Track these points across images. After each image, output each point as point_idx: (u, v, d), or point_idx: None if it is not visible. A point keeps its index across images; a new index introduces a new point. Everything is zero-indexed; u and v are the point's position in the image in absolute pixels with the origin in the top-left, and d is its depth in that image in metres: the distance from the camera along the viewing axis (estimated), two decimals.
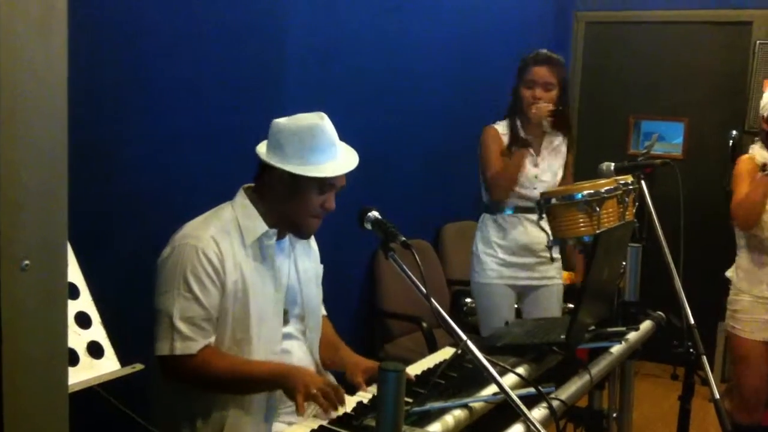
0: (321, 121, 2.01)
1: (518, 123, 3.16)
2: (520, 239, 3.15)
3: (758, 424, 3.35)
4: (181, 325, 1.92)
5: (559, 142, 3.24)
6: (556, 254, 3.24)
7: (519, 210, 3.16)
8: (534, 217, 3.11)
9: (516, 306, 3.30)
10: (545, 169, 3.18)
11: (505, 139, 3.15)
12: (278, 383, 1.94)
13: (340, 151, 2.07)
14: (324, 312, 2.35)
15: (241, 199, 2.09)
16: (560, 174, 3.23)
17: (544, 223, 3.03)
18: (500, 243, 3.17)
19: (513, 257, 3.16)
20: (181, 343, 1.92)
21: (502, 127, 3.19)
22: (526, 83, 3.11)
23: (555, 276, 3.26)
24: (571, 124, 3.27)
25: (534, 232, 3.14)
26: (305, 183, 2.00)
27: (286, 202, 2.04)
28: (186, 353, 1.92)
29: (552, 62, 3.13)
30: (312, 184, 2.01)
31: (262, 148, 2.07)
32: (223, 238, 2.00)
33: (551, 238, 2.61)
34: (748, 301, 3.26)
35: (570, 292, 3.64)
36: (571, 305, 3.81)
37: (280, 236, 2.11)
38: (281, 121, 2.03)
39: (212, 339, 1.97)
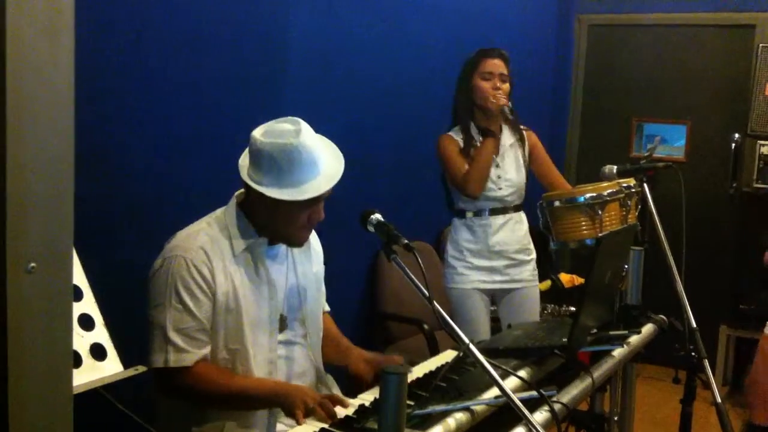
0: (297, 140, 1.91)
1: (471, 125, 3.14)
2: (489, 242, 3.12)
3: None
4: (175, 337, 1.91)
5: (513, 141, 3.20)
6: (527, 256, 3.19)
7: (488, 213, 3.13)
8: (503, 219, 3.12)
9: (494, 308, 3.28)
10: (507, 168, 3.15)
11: (461, 143, 3.13)
12: (276, 402, 1.92)
13: (323, 164, 1.98)
14: (327, 308, 2.35)
15: (233, 207, 2.06)
16: (524, 171, 3.18)
17: (516, 224, 3.05)
18: (469, 247, 3.14)
19: (483, 261, 3.13)
20: (175, 355, 1.91)
21: (455, 133, 3.17)
22: (483, 75, 3.08)
23: (529, 278, 3.20)
24: (519, 123, 3.23)
25: (504, 234, 3.12)
26: (287, 204, 1.94)
27: (272, 218, 2.01)
28: (180, 365, 1.91)
29: (504, 56, 3.12)
30: (294, 204, 1.95)
31: (244, 161, 2.01)
32: (213, 248, 1.98)
33: (553, 240, 2.61)
34: None
35: (571, 294, 3.64)
36: (549, 306, 3.80)
37: (273, 242, 2.09)
38: (258, 135, 1.94)
39: (207, 350, 1.96)
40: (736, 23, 4.97)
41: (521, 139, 3.21)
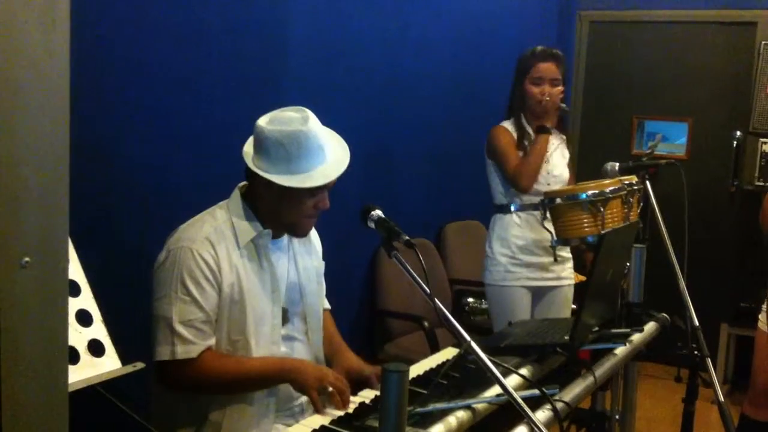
0: (305, 127, 1.93)
1: (523, 120, 3.14)
2: (536, 238, 3.10)
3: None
4: (181, 329, 1.90)
5: (560, 141, 3.23)
6: (567, 253, 3.21)
7: (534, 207, 3.10)
8: (549, 214, 3.10)
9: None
10: (555, 164, 3.16)
11: (515, 135, 3.14)
12: (286, 377, 1.93)
13: (329, 152, 1.99)
14: (327, 306, 2.34)
15: (236, 199, 2.06)
16: (567, 171, 3.21)
17: (547, 223, 3.03)
18: (518, 243, 3.11)
19: (530, 257, 3.11)
20: (182, 347, 1.90)
21: (509, 125, 3.17)
22: (533, 80, 3.09)
23: (568, 276, 3.21)
24: (569, 125, 3.27)
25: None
26: (294, 191, 1.95)
27: (277, 207, 2.01)
28: (187, 357, 1.90)
29: (557, 58, 3.11)
30: (302, 191, 1.96)
31: (249, 149, 2.01)
32: (218, 240, 1.97)
33: (555, 238, 2.60)
34: None
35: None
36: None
37: (277, 235, 2.09)
38: (264, 124, 1.95)
39: (212, 341, 1.95)
40: (738, 20, 4.96)
41: (567, 140, 3.26)
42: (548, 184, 3.10)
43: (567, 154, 3.25)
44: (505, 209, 3.17)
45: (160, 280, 1.96)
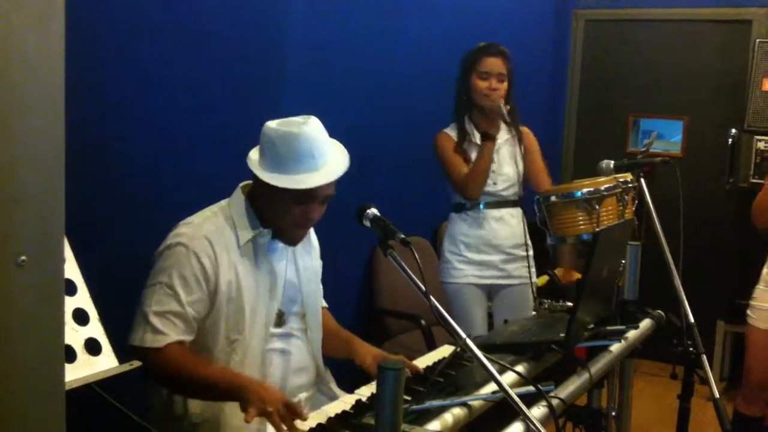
0: (299, 129, 1.93)
1: (466, 120, 3.14)
2: (484, 236, 3.12)
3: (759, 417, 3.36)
4: (154, 319, 1.91)
5: (509, 137, 3.20)
6: (521, 252, 3.17)
7: (484, 206, 3.13)
8: (499, 213, 3.11)
9: (488, 304, 3.26)
10: (502, 162, 3.15)
11: (455, 139, 3.14)
12: (235, 394, 1.84)
13: (325, 160, 1.98)
14: (324, 304, 2.34)
15: (237, 198, 2.07)
16: (520, 167, 3.16)
17: (513, 219, 3.04)
18: (466, 241, 3.14)
19: (478, 255, 3.13)
20: (151, 335, 1.91)
21: (450, 130, 3.17)
22: (480, 74, 3.08)
23: (520, 275, 3.18)
24: (518, 120, 3.22)
25: (499, 228, 3.12)
26: (281, 193, 1.95)
27: (269, 209, 2.02)
28: (153, 346, 1.90)
29: (504, 54, 3.11)
30: (287, 194, 1.95)
31: (254, 155, 2.03)
32: (217, 238, 1.98)
33: (550, 235, 2.60)
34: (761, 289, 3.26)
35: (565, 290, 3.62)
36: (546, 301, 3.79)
37: (276, 236, 2.09)
38: (270, 124, 1.98)
39: (183, 338, 1.94)
40: (733, 18, 4.96)
41: (517, 136, 3.20)
42: (494, 183, 3.11)
43: (518, 150, 3.18)
44: (457, 208, 3.19)
45: (154, 269, 1.98)
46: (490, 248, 3.12)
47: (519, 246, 3.15)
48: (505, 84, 3.09)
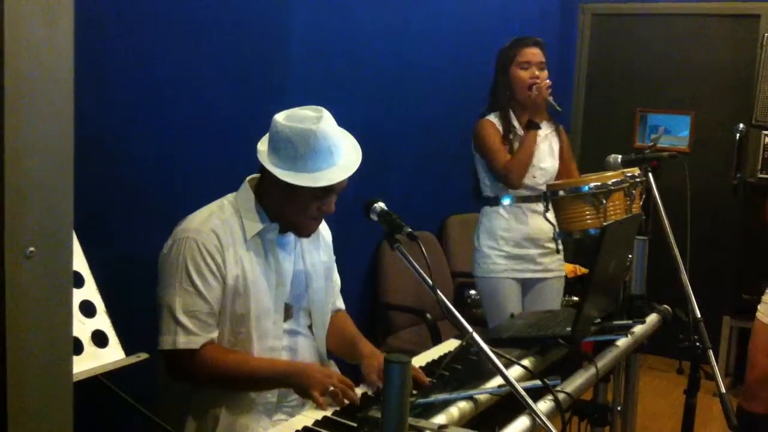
0: (316, 126, 1.91)
1: (511, 112, 3.13)
2: (523, 230, 3.12)
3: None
4: (185, 319, 1.90)
5: (550, 131, 3.21)
6: (561, 246, 3.20)
7: (520, 200, 3.13)
8: (537, 207, 3.10)
9: None
10: (542, 156, 3.15)
11: (501, 130, 3.13)
12: (288, 382, 1.92)
13: (341, 154, 1.98)
14: (342, 306, 2.33)
15: (245, 192, 2.06)
16: (558, 162, 3.19)
17: (550, 215, 3.02)
18: (504, 235, 3.13)
19: (517, 249, 3.13)
20: (184, 337, 1.90)
21: (494, 119, 3.16)
22: (521, 65, 3.08)
23: (558, 268, 3.22)
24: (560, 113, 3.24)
25: (537, 222, 3.11)
26: (300, 190, 1.94)
27: (283, 204, 2.01)
28: (189, 348, 1.91)
29: (541, 44, 3.12)
30: (306, 191, 1.95)
31: (262, 147, 2.01)
32: (224, 232, 1.98)
33: (557, 230, 2.60)
34: None
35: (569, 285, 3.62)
36: (574, 298, 3.79)
37: (284, 230, 2.08)
38: (280, 119, 1.95)
39: (215, 334, 1.95)
40: (741, 13, 4.94)
41: (557, 131, 3.23)
42: (534, 177, 3.11)
43: (557, 146, 3.22)
44: (492, 202, 3.18)
45: (165, 269, 1.97)
46: (529, 242, 3.13)
47: (553, 240, 3.15)
48: (546, 73, 3.08)
